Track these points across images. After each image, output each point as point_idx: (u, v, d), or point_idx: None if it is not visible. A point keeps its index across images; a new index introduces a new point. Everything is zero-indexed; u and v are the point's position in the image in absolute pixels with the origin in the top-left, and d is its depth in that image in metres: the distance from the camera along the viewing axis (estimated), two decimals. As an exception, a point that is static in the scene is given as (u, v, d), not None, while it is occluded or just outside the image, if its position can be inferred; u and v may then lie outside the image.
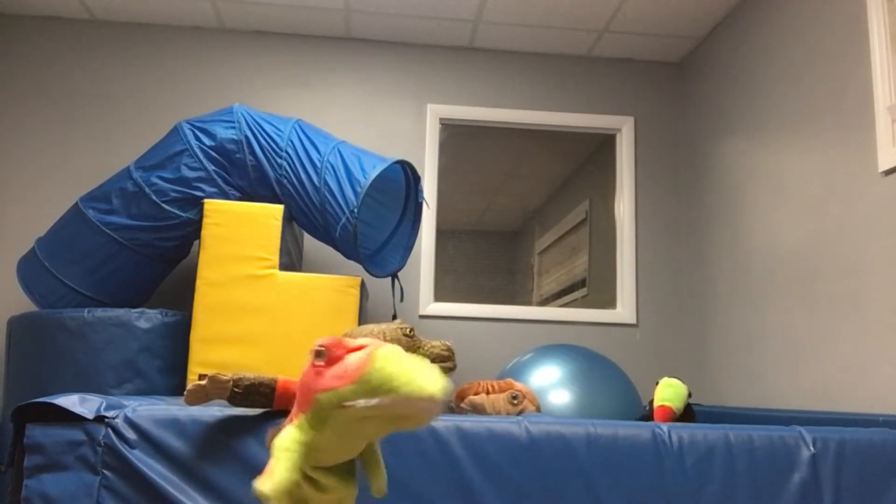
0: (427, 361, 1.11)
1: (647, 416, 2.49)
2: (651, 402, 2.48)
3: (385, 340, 1.79)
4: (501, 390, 2.02)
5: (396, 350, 1.11)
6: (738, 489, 1.51)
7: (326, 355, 1.15)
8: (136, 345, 2.53)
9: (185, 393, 1.47)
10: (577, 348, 2.82)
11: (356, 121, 3.54)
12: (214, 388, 1.48)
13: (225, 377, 1.48)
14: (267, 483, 1.09)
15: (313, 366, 1.16)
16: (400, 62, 3.61)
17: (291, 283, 2.53)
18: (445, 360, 1.87)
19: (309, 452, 1.16)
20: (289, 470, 1.12)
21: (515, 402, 1.99)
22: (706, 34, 3.45)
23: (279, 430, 1.21)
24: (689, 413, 2.45)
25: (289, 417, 1.23)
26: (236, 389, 1.49)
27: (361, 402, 1.08)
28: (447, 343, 1.90)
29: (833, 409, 2.37)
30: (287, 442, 1.16)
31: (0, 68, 3.41)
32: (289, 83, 3.54)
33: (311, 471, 1.16)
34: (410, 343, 1.85)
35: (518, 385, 2.03)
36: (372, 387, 1.08)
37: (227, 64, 3.52)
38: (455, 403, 2.08)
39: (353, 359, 1.11)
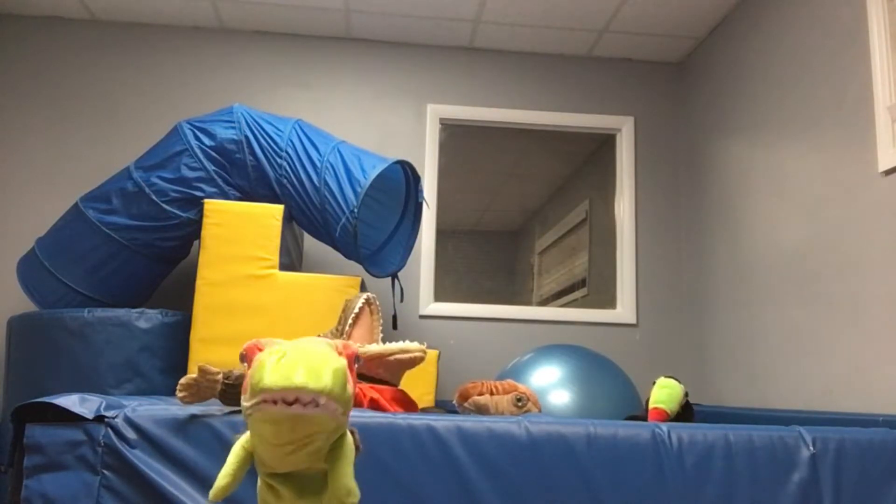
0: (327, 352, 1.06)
1: (639, 416, 2.48)
2: (647, 403, 2.48)
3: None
4: (505, 391, 2.01)
5: (278, 347, 1.07)
6: (738, 489, 1.51)
7: (246, 359, 1.13)
8: (136, 345, 2.53)
9: (177, 387, 1.47)
10: (577, 348, 2.82)
11: (356, 121, 3.54)
12: (205, 381, 1.48)
13: (215, 369, 1.48)
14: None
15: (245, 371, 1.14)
16: (400, 62, 3.61)
17: (291, 283, 2.53)
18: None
19: (257, 457, 1.14)
20: (227, 475, 1.12)
21: (520, 404, 1.98)
22: (706, 34, 3.45)
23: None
24: (688, 412, 2.44)
25: None
26: (227, 381, 1.49)
27: (245, 405, 1.06)
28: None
29: (833, 409, 2.37)
30: (237, 444, 1.15)
31: (0, 68, 3.41)
32: (289, 83, 3.54)
33: (266, 476, 1.14)
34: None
35: (522, 387, 2.03)
36: (250, 389, 1.05)
37: (227, 64, 3.52)
38: (458, 403, 2.07)
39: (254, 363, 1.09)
